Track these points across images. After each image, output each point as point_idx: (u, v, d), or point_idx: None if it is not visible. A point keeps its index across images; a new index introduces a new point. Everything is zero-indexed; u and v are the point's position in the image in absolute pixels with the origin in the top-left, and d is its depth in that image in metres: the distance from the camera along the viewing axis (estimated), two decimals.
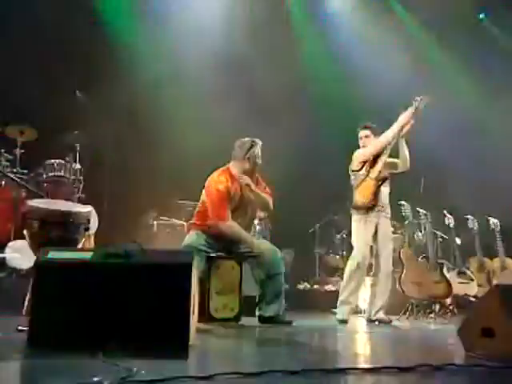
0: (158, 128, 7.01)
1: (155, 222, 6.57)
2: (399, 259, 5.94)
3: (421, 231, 6.35)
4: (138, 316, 1.88)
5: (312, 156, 8.27)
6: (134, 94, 6.90)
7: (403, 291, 5.71)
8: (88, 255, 2.06)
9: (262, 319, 4.00)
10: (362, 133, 5.06)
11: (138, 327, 1.89)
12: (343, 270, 7.34)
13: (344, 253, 7.94)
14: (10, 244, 5.57)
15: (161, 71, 7.11)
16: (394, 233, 7.86)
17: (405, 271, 5.74)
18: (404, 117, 4.86)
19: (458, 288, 6.10)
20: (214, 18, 7.62)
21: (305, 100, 8.12)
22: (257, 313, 4.05)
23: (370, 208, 4.86)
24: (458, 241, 6.68)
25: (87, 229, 2.82)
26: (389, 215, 5.05)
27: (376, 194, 4.87)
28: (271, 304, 4.00)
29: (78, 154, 6.37)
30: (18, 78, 6.23)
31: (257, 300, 4.08)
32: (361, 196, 4.92)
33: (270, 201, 4.26)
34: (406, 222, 6.07)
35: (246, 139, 4.19)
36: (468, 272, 6.35)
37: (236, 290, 3.92)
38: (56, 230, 2.62)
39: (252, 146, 4.13)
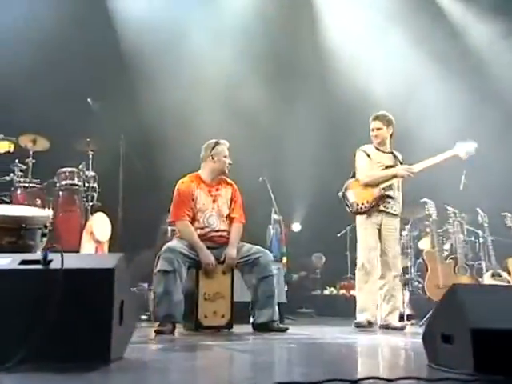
0: (171, 133, 7.00)
1: (169, 228, 6.51)
2: (423, 261, 5.65)
3: (449, 230, 6.00)
4: (56, 324, 1.78)
5: (342, 156, 8.07)
6: (147, 101, 6.91)
7: (427, 295, 5.41)
8: (5, 262, 1.98)
9: (256, 326, 3.84)
10: (374, 124, 4.78)
11: (55, 335, 1.79)
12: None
13: None
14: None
15: (176, 77, 7.10)
16: (423, 233, 7.61)
17: (428, 274, 5.43)
18: (433, 161, 4.66)
19: None
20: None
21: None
22: (250, 320, 3.90)
23: (366, 212, 4.61)
24: (492, 240, 6.26)
25: (44, 234, 2.76)
26: (397, 211, 4.70)
27: (373, 204, 4.60)
28: (263, 309, 3.82)
29: (90, 162, 6.43)
30: (29, 87, 6.35)
31: (250, 307, 3.92)
32: (359, 198, 4.65)
33: (239, 230, 4.13)
34: (430, 221, 5.72)
35: (211, 140, 4.20)
36: (504, 274, 5.91)
37: (227, 297, 3.76)
38: (8, 237, 2.55)
39: (216, 145, 4.14)
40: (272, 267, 3.95)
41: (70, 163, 6.33)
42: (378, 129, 4.73)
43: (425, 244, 7.21)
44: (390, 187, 4.64)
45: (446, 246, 6.73)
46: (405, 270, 6.75)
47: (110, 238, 6.39)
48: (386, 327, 4.50)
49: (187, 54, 7.18)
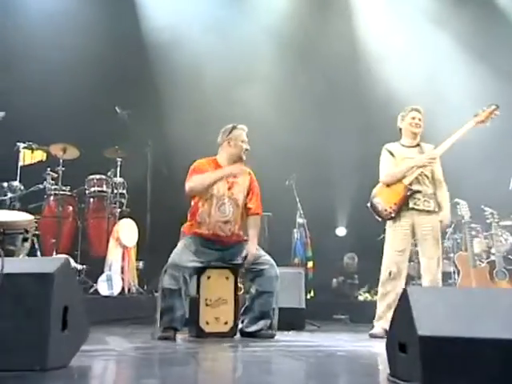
0: (198, 139, 7.02)
1: None
2: (454, 265, 5.35)
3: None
4: None
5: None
6: (174, 108, 6.98)
7: None
8: None
9: (244, 334, 3.69)
10: (416, 114, 4.46)
11: None
12: (417, 278, 6.79)
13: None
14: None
15: (202, 84, 7.14)
16: (475, 236, 7.20)
17: (460, 279, 5.14)
18: (454, 138, 4.32)
19: None
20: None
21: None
22: (239, 325, 3.73)
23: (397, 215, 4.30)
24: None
25: (26, 239, 2.78)
26: (431, 207, 4.30)
27: (402, 204, 4.29)
28: (256, 321, 3.70)
29: (119, 169, 6.55)
30: (58, 97, 6.56)
31: (241, 312, 3.76)
32: (386, 203, 4.36)
33: (257, 223, 4.01)
34: (462, 222, 5.41)
35: (229, 125, 4.04)
36: None
37: (230, 302, 3.68)
38: None
39: (233, 129, 3.98)
40: (275, 283, 3.77)
41: (99, 170, 6.49)
42: (420, 119, 4.45)
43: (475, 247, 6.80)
44: (417, 181, 4.32)
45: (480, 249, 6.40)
46: (447, 276, 6.44)
47: (138, 244, 6.49)
48: None
49: (214, 60, 7.18)
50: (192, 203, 4.04)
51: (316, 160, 7.88)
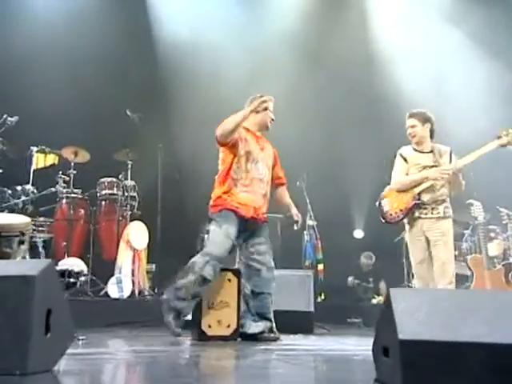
0: (208, 142, 7.02)
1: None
2: (468, 267, 5.23)
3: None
4: None
5: None
6: (185, 111, 6.99)
7: None
8: None
9: (244, 336, 3.65)
10: (408, 122, 4.41)
11: None
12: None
13: None
14: (62, 262, 5.89)
15: (214, 87, 7.14)
16: (494, 238, 7.03)
17: (474, 282, 5.01)
18: (475, 156, 4.18)
19: None
20: None
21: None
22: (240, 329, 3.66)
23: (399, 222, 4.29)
24: None
25: (22, 242, 2.78)
26: (440, 213, 4.21)
27: (407, 213, 4.23)
28: (255, 322, 3.65)
29: (129, 172, 6.58)
30: (69, 101, 6.63)
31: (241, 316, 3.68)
32: (392, 207, 4.31)
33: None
34: (477, 224, 5.28)
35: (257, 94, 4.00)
36: None
37: (233, 305, 3.64)
38: None
39: (261, 97, 3.92)
40: (272, 284, 3.75)
41: (111, 173, 6.54)
42: (413, 126, 4.37)
43: (491, 250, 6.65)
44: (431, 189, 4.24)
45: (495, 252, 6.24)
46: (464, 279, 6.31)
47: (149, 246, 6.50)
48: None
49: (227, 64, 7.18)
50: (221, 167, 3.99)
51: (331, 160, 7.82)
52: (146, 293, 6.10)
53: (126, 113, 6.55)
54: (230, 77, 7.08)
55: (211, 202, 3.90)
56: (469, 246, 6.85)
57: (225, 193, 3.82)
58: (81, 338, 3.46)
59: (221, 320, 3.58)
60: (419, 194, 4.23)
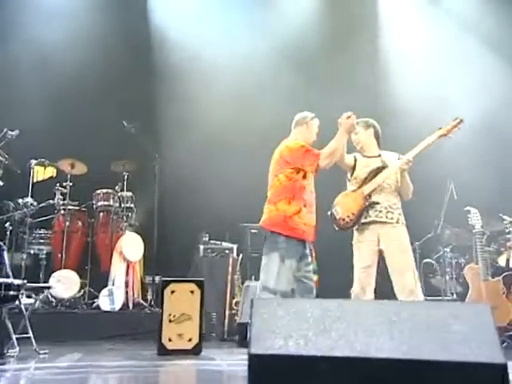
0: (206, 152, 7.02)
1: (201, 247, 6.47)
2: (464, 278, 4.99)
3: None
4: None
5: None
6: (182, 121, 7.00)
7: None
8: None
9: None
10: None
11: None
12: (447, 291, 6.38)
13: (452, 273, 6.92)
14: (55, 274, 5.95)
15: (212, 95, 7.13)
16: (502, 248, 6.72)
17: (470, 293, 4.78)
18: (422, 146, 4.09)
19: None
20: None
21: None
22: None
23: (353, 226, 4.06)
24: None
25: None
26: (393, 220, 4.01)
27: (360, 215, 4.02)
28: None
29: (125, 183, 6.61)
30: (66, 113, 6.73)
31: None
32: (344, 211, 4.08)
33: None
34: (473, 232, 5.04)
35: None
36: None
37: (195, 318, 3.57)
38: None
39: (313, 118, 4.17)
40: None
41: (108, 185, 6.58)
42: (356, 133, 4.23)
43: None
44: (381, 191, 4.06)
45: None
46: None
47: (145, 258, 6.50)
48: None
49: (221, 73, 7.18)
50: (287, 183, 3.94)
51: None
52: (139, 305, 6.07)
53: (122, 124, 6.61)
54: (227, 87, 7.06)
55: (275, 219, 3.84)
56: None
57: (295, 213, 3.83)
58: (42, 352, 3.45)
59: (182, 333, 3.52)
60: (369, 195, 4.05)
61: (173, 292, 3.61)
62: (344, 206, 4.11)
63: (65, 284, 5.86)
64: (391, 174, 4.08)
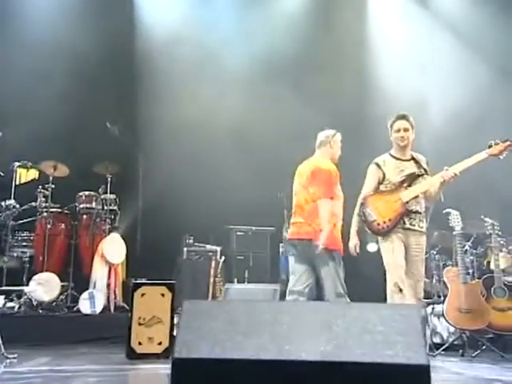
0: (190, 153, 7.02)
1: (185, 249, 6.48)
2: (443, 282, 5.00)
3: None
4: None
5: None
6: (165, 122, 7.01)
7: (447, 321, 4.75)
8: None
9: None
10: (401, 124, 4.13)
11: None
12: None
13: (439, 275, 6.92)
14: (35, 277, 5.94)
15: (194, 98, 7.14)
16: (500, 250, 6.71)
17: (449, 296, 4.78)
18: (467, 164, 4.01)
19: None
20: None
21: None
22: None
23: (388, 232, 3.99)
24: None
25: None
26: (423, 228, 4.09)
27: (397, 221, 3.96)
28: None
29: (109, 185, 6.60)
30: (47, 114, 6.72)
31: None
32: (380, 216, 3.99)
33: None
34: (453, 234, 5.04)
35: (328, 130, 4.39)
36: None
37: (166, 321, 3.57)
38: None
39: (335, 134, 4.39)
40: None
41: (91, 187, 6.58)
42: (406, 130, 4.12)
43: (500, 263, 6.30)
44: (417, 200, 4.04)
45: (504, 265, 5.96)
46: None
47: (129, 261, 6.49)
48: None
49: (205, 75, 7.19)
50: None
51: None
52: (122, 308, 6.06)
53: (105, 125, 6.62)
54: (212, 88, 7.07)
55: (331, 239, 4.11)
56: (468, 259, 6.56)
57: (333, 228, 4.14)
58: (11, 356, 3.45)
59: (152, 337, 3.51)
60: (407, 202, 3.99)
61: (143, 295, 3.61)
62: (379, 209, 4.03)
63: (45, 287, 5.85)
64: (434, 184, 4.03)
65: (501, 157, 4.04)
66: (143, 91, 7.14)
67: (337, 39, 7.67)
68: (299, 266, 4.19)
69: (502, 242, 6.32)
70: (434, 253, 6.82)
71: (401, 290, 3.89)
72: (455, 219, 4.95)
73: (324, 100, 7.23)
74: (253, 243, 7.18)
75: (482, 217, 5.36)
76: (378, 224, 3.99)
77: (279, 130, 7.05)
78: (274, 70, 7.32)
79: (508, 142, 4.03)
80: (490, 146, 4.02)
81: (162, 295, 3.63)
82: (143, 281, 3.79)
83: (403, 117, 4.15)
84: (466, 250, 6.54)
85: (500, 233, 5.26)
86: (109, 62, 7.00)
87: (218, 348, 1.34)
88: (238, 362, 1.31)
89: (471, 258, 6.49)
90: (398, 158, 4.14)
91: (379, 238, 4.09)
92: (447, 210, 5.06)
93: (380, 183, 4.13)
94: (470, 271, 6.41)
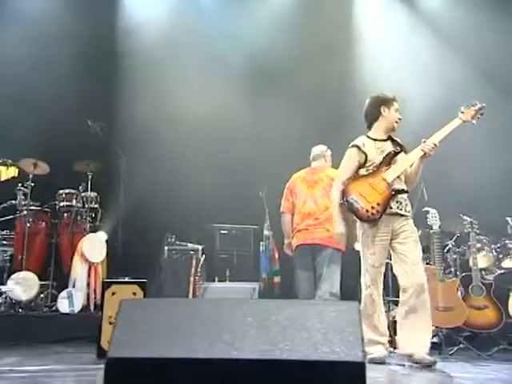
0: (173, 150, 7.01)
1: (166, 248, 6.46)
2: None
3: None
4: None
5: None
6: (149, 119, 6.99)
7: None
8: None
9: None
10: (398, 105, 3.99)
11: None
12: None
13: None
14: (14, 276, 5.91)
15: (175, 96, 7.13)
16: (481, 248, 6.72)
17: None
18: (443, 134, 3.85)
19: None
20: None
21: None
22: None
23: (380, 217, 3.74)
24: None
25: None
26: (410, 213, 3.89)
27: (386, 205, 3.72)
28: None
29: (90, 183, 6.57)
30: (27, 111, 6.69)
31: None
32: (366, 201, 3.70)
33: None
34: (431, 233, 5.06)
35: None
36: None
37: None
38: None
39: (327, 150, 5.06)
40: None
41: (72, 185, 6.55)
42: (393, 109, 3.97)
43: (481, 262, 6.30)
44: (399, 180, 3.84)
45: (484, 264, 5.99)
46: None
47: (111, 260, 6.46)
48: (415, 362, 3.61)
49: (188, 71, 7.17)
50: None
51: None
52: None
53: (86, 123, 6.59)
54: (193, 86, 7.06)
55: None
56: (450, 257, 6.59)
57: None
58: None
59: None
60: (392, 182, 3.76)
61: (114, 293, 3.59)
62: (364, 194, 3.74)
63: (23, 286, 5.83)
64: (415, 159, 3.83)
65: (474, 121, 3.92)
66: (124, 89, 7.11)
67: (320, 37, 7.65)
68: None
69: (484, 241, 6.37)
70: None
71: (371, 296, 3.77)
72: (433, 218, 4.97)
73: (307, 99, 7.23)
74: (237, 242, 7.17)
75: (461, 215, 5.38)
76: (367, 210, 3.71)
77: (261, 128, 7.05)
78: (257, 67, 7.31)
79: (478, 106, 3.92)
80: (462, 113, 3.91)
81: (134, 294, 3.62)
82: (114, 279, 3.76)
83: (395, 98, 4.04)
84: (450, 248, 6.61)
85: (478, 231, 5.28)
86: (89, 58, 6.97)
87: (152, 347, 1.34)
88: (172, 361, 1.31)
89: (454, 256, 6.53)
90: (375, 139, 3.97)
91: (361, 229, 3.83)
92: (426, 209, 5.08)
93: (360, 167, 3.90)
94: (453, 269, 6.47)
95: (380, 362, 3.68)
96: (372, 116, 4.03)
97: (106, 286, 3.60)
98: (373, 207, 3.69)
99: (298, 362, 1.33)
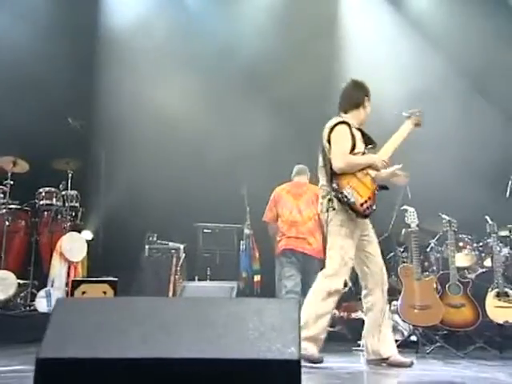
0: (154, 148, 6.98)
1: (147, 247, 6.44)
2: (397, 278, 5.03)
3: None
4: None
5: None
6: (129, 116, 6.96)
7: (401, 318, 4.79)
8: None
9: None
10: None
11: None
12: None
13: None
14: None
15: (157, 95, 7.11)
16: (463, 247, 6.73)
17: (403, 293, 4.80)
18: (395, 144, 3.80)
19: (496, 314, 4.85)
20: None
21: None
22: None
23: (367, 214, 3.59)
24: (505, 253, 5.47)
25: None
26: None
27: (375, 200, 3.57)
28: None
29: (70, 181, 6.53)
30: (7, 108, 6.64)
31: None
32: (360, 195, 3.50)
33: None
34: (409, 231, 5.06)
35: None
36: None
37: None
38: None
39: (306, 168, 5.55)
40: None
41: (52, 183, 6.50)
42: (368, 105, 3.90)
43: (459, 261, 6.30)
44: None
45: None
46: None
47: (91, 259, 6.43)
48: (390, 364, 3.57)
49: (169, 69, 7.15)
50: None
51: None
52: None
53: (66, 120, 6.56)
54: (174, 84, 7.04)
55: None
56: (433, 257, 6.61)
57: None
58: None
59: None
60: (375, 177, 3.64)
61: (84, 293, 3.55)
62: (357, 189, 3.53)
63: (1, 285, 5.78)
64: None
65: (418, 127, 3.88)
66: (106, 86, 7.07)
67: (305, 38, 7.64)
68: (296, 272, 5.26)
69: (466, 240, 6.40)
70: (401, 250, 6.86)
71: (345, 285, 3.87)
72: (411, 216, 4.97)
73: (289, 100, 7.22)
74: (220, 241, 7.16)
75: (440, 214, 5.39)
76: (362, 204, 3.50)
77: (243, 127, 7.03)
78: (239, 67, 7.29)
79: (417, 110, 3.90)
80: (409, 117, 3.87)
81: (104, 293, 3.58)
82: (84, 278, 3.73)
83: None
84: (432, 247, 6.63)
85: (456, 230, 5.29)
86: (69, 55, 6.92)
87: (85, 347, 1.33)
88: (104, 362, 1.29)
89: (437, 255, 6.56)
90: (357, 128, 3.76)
91: (332, 221, 3.57)
92: (404, 207, 5.08)
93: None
94: (435, 268, 6.49)
95: None
96: (353, 102, 3.82)
97: (75, 285, 3.56)
98: (366, 201, 3.52)
99: (235, 360, 1.32)
